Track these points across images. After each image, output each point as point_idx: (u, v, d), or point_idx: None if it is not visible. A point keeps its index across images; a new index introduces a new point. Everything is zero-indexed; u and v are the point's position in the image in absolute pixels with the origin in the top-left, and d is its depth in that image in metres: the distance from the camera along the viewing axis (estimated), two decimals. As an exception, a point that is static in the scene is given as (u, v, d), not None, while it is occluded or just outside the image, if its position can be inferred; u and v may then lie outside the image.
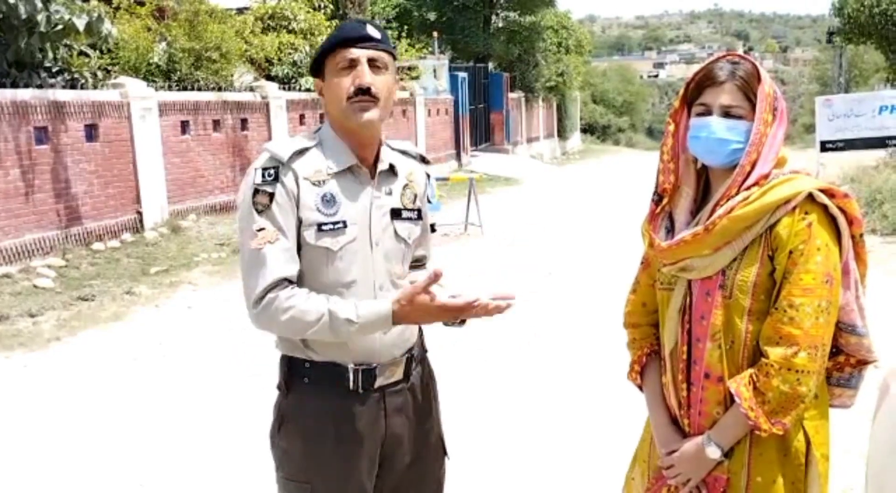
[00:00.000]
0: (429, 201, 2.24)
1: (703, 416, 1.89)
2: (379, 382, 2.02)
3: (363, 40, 1.95)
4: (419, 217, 2.13)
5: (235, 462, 4.11)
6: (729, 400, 1.84)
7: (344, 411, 2.00)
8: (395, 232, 2.05)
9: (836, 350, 1.89)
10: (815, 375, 1.78)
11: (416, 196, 2.11)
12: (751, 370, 1.81)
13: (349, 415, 2.00)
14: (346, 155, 1.99)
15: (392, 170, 2.07)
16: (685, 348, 1.91)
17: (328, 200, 1.95)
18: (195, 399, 5.06)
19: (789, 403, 1.77)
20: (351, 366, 1.99)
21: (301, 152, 1.97)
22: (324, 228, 1.94)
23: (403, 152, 2.14)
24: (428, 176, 2.21)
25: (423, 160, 2.20)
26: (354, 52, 1.93)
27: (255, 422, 4.49)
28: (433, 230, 2.29)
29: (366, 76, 1.93)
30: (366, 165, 2.02)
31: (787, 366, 1.76)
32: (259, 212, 1.91)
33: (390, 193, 2.06)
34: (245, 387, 5.13)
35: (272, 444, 2.08)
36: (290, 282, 1.91)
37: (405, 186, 2.09)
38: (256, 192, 1.92)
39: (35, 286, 7.96)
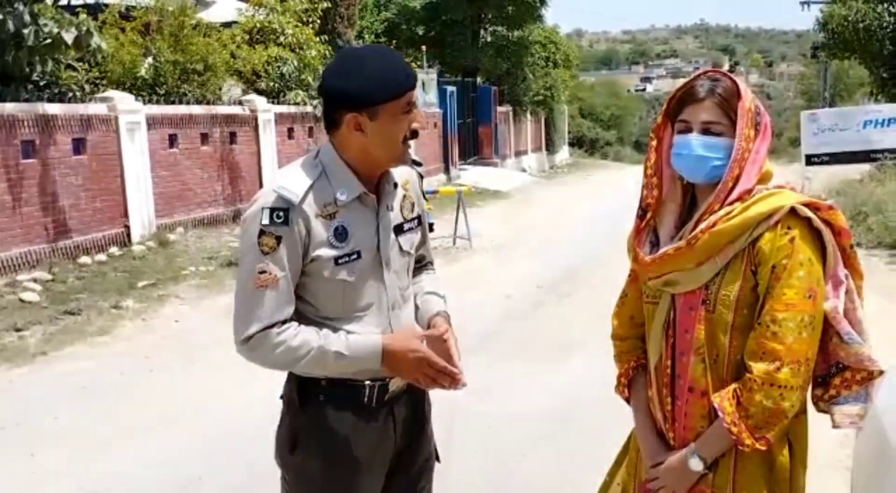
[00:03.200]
0: (424, 198, 2.24)
1: (687, 430, 1.90)
2: (390, 392, 2.04)
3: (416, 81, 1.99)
4: (419, 224, 2.15)
5: (223, 477, 4.08)
6: (713, 414, 1.85)
7: (360, 427, 2.01)
8: (400, 247, 2.07)
9: (842, 366, 1.86)
10: (799, 390, 1.78)
11: (413, 204, 2.12)
12: (735, 385, 1.82)
13: (365, 431, 2.01)
14: (356, 185, 1.97)
15: (394, 186, 2.07)
16: (669, 362, 1.91)
17: (340, 233, 1.95)
18: (182, 414, 5.03)
19: (772, 418, 1.77)
20: (367, 383, 2.00)
21: (310, 189, 1.93)
22: (340, 261, 1.95)
23: None
24: (421, 177, 2.19)
25: (415, 163, 2.17)
26: (412, 96, 1.95)
27: (243, 435, 4.47)
28: (431, 230, 2.29)
29: (422, 119, 2.00)
30: (371, 189, 2.02)
31: (769, 381, 1.76)
32: (265, 253, 1.90)
33: (391, 209, 2.06)
34: (233, 401, 5.11)
35: (283, 464, 2.06)
36: (284, 321, 1.94)
37: (403, 198, 2.09)
38: (262, 233, 1.89)
39: (21, 300, 7.90)
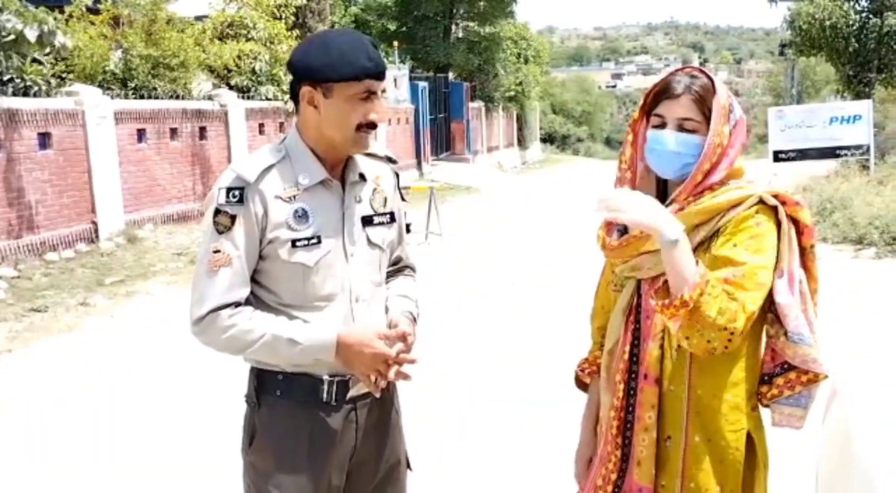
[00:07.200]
0: (403, 199, 2.19)
1: (637, 419, 1.89)
2: (351, 393, 2.00)
3: (383, 74, 1.95)
4: (392, 220, 2.10)
5: (198, 474, 4.06)
6: (661, 405, 1.85)
7: (317, 424, 1.97)
8: (368, 239, 2.03)
9: (787, 367, 1.88)
10: (746, 318, 1.75)
11: (386, 199, 2.08)
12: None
13: (322, 429, 1.98)
14: (318, 169, 1.96)
15: (361, 177, 2.04)
16: (627, 348, 1.92)
17: (300, 216, 1.93)
18: (146, 410, 4.98)
19: (704, 321, 1.72)
20: (326, 377, 1.96)
21: (268, 170, 1.93)
22: (297, 244, 1.92)
23: (369, 155, 2.09)
24: (397, 175, 2.17)
25: (390, 160, 2.15)
26: (374, 85, 1.92)
27: (215, 432, 4.44)
28: (408, 231, 2.25)
29: (384, 113, 1.96)
30: (336, 176, 2.00)
31: (730, 292, 1.74)
32: (220, 233, 1.90)
33: (360, 201, 2.03)
34: (204, 398, 5.07)
35: (243, 457, 2.04)
36: (237, 304, 1.92)
37: (374, 191, 2.06)
38: (218, 212, 1.90)
39: (-14, 298, 7.79)
